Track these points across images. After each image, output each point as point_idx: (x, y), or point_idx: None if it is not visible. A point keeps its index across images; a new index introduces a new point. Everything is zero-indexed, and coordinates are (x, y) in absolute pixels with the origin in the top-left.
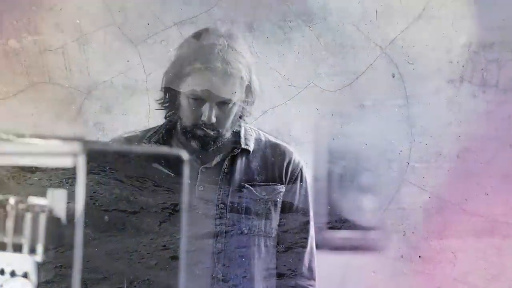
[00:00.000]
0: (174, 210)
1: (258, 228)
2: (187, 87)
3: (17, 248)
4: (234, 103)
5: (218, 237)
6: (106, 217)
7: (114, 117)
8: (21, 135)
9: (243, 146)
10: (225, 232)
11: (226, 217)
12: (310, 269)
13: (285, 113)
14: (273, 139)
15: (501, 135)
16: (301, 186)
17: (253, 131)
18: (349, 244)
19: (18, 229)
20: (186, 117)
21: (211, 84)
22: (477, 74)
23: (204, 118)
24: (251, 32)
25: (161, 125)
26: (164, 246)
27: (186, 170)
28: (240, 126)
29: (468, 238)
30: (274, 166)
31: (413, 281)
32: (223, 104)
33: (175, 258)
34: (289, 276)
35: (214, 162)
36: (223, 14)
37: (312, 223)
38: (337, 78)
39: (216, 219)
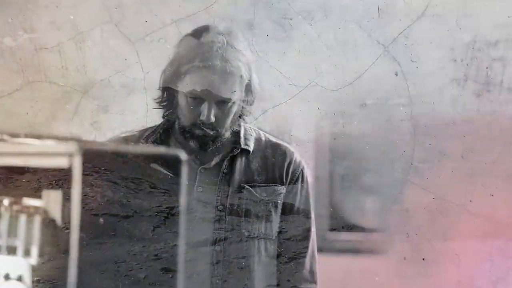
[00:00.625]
0: (170, 213)
1: (259, 231)
2: (185, 86)
3: (12, 251)
4: (234, 102)
5: (216, 244)
6: (101, 220)
7: (111, 116)
8: (16, 135)
9: (242, 146)
10: (224, 239)
11: (225, 221)
12: (312, 272)
13: (286, 112)
14: (273, 139)
15: (506, 134)
16: (302, 187)
17: (253, 131)
18: (351, 246)
19: (12, 231)
20: (184, 116)
21: (210, 83)
22: (481, 72)
23: (203, 117)
24: (251, 30)
25: (159, 125)
26: (156, 255)
27: (185, 171)
28: (239, 125)
29: (472, 240)
30: (275, 166)
31: (416, 284)
32: (222, 103)
33: (167, 269)
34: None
35: (213, 162)
36: (222, 12)
37: (313, 225)
38: (338, 77)
39: (214, 222)
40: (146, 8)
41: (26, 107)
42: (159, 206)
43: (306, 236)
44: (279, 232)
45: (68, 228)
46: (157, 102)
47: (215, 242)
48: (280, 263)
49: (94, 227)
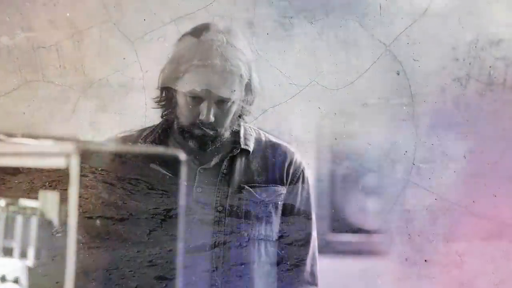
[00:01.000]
0: (168, 215)
1: (259, 232)
2: (184, 85)
3: (8, 253)
4: (233, 102)
5: (216, 248)
6: (98, 221)
7: (109, 116)
8: (13, 135)
9: (242, 146)
10: (224, 243)
11: (224, 223)
12: (312, 274)
13: (286, 112)
14: (273, 139)
15: (508, 134)
16: (303, 187)
17: (253, 130)
18: (352, 247)
19: (8, 233)
20: (183, 116)
21: (209, 82)
22: (484, 72)
23: (202, 117)
24: (251, 29)
25: (158, 124)
26: (151, 261)
27: (184, 171)
28: (239, 125)
29: (475, 241)
30: (275, 167)
31: (418, 285)
32: (222, 102)
33: (161, 278)
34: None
35: (213, 162)
36: (222, 10)
37: (314, 226)
38: (339, 76)
39: (214, 224)
40: (145, 7)
41: (23, 107)
42: (156, 208)
43: (307, 240)
44: (280, 237)
45: (64, 231)
46: (156, 102)
47: (214, 245)
48: (281, 270)
49: (90, 230)
